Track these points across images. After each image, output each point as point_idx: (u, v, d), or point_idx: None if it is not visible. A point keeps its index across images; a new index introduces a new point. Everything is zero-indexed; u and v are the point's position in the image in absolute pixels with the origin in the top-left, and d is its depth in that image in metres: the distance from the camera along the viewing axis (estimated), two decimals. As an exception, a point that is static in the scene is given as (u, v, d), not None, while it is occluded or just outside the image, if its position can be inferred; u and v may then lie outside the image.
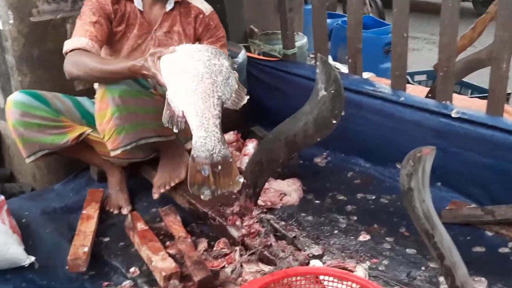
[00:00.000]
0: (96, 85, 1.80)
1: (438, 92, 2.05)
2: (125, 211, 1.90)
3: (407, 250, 1.68)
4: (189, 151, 1.28)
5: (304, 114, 1.52)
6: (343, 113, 1.46)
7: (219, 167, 1.22)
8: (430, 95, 2.23)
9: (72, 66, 1.63)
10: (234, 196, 1.78)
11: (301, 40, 2.90)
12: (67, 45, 1.68)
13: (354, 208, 1.95)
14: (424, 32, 5.82)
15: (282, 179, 2.08)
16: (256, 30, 2.91)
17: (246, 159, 2.13)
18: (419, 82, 3.31)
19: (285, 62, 2.53)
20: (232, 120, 2.24)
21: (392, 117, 2.11)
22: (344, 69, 3.15)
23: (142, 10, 1.81)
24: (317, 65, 1.47)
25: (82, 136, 1.81)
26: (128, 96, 1.65)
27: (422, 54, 5.06)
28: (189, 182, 1.23)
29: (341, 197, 2.03)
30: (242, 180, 1.26)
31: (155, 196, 1.86)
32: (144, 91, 1.72)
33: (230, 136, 2.34)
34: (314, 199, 2.02)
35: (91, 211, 1.79)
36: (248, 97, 1.32)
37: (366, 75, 3.15)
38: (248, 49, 2.72)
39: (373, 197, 2.03)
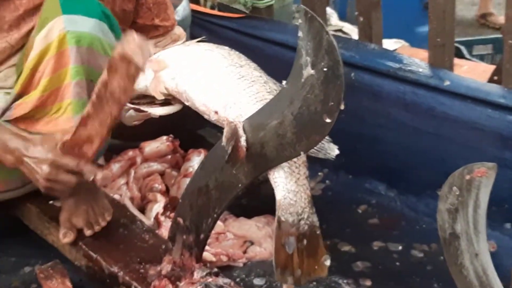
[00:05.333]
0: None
1: (506, 73, 2.09)
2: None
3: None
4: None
5: (279, 107, 1.50)
6: (342, 107, 1.41)
7: (305, 240, 1.39)
8: (495, 77, 2.28)
9: None
10: (163, 246, 1.77)
11: (284, -16, 2.94)
12: None
13: (367, 266, 1.98)
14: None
15: (248, 217, 2.10)
16: (208, -36, 2.93)
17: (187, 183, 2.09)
18: (481, 57, 3.38)
19: (255, 21, 2.55)
20: (164, 117, 2.22)
21: (430, 114, 2.14)
22: (356, 33, 3.20)
23: None
24: (299, 24, 1.43)
25: None
26: (99, 51, 1.69)
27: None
28: (275, 261, 1.39)
29: (347, 248, 2.06)
30: (329, 262, 1.41)
31: (67, 239, 1.83)
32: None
33: (162, 144, 2.36)
34: (300, 251, 2.02)
35: None
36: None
37: (391, 44, 3.22)
38: (193, -2, 2.77)
39: (400, 248, 2.06)
